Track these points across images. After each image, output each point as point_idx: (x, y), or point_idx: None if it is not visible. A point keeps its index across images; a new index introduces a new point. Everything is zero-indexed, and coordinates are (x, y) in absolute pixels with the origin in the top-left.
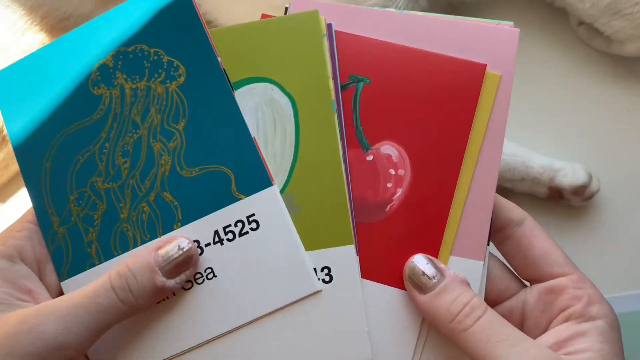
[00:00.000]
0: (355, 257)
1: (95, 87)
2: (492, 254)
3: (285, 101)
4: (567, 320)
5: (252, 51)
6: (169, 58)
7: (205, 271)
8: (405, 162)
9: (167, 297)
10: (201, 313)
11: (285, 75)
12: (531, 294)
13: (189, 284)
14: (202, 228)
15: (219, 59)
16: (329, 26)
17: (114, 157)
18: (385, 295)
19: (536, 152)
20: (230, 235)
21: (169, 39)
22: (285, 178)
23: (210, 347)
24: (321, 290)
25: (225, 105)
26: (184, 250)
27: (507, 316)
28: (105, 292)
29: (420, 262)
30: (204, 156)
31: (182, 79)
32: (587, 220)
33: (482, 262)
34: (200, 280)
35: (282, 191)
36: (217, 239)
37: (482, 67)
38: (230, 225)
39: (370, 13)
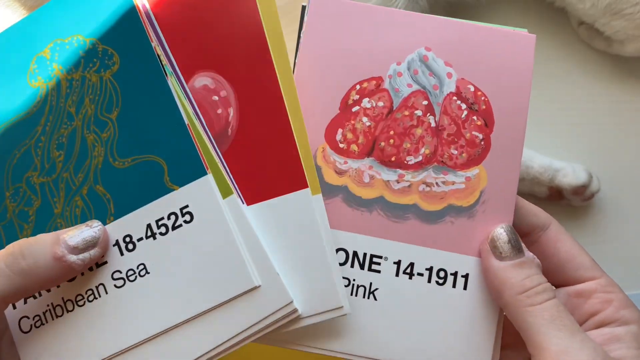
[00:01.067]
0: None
1: (33, 80)
2: None
3: None
4: (600, 325)
5: None
6: (104, 47)
7: (137, 267)
8: (223, 83)
9: (99, 296)
10: (134, 312)
11: None
12: (558, 297)
13: (121, 282)
14: (135, 222)
15: (153, 44)
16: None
17: (49, 150)
18: (266, 210)
19: (536, 152)
20: (163, 229)
21: (104, 27)
22: None
23: (146, 346)
24: (260, 286)
25: (159, 92)
26: (92, 227)
27: None
28: None
29: (508, 230)
30: (137, 146)
31: (116, 67)
32: (587, 220)
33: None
34: (132, 277)
35: None
36: (149, 233)
37: None
38: (163, 219)
39: (386, 12)
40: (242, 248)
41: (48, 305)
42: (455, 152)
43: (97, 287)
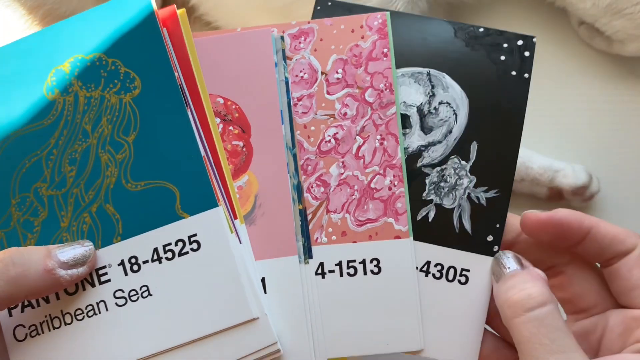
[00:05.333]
0: (224, 218)
1: (50, 92)
2: (598, 269)
3: None
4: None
5: None
6: (126, 69)
7: (140, 289)
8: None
9: (99, 312)
10: (132, 331)
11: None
12: (616, 316)
13: (123, 300)
14: (142, 244)
15: (176, 73)
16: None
17: (60, 164)
18: None
19: (536, 152)
20: (169, 254)
21: (128, 50)
22: None
23: None
24: (258, 318)
25: (177, 121)
26: (83, 245)
27: (590, 331)
28: None
29: (506, 253)
30: (151, 171)
31: (137, 91)
32: None
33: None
34: (134, 298)
35: None
36: (155, 257)
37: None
38: (170, 244)
39: None
40: (244, 281)
41: (46, 317)
42: None
43: (97, 304)
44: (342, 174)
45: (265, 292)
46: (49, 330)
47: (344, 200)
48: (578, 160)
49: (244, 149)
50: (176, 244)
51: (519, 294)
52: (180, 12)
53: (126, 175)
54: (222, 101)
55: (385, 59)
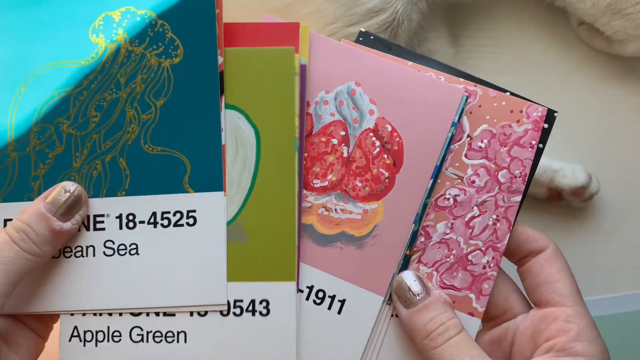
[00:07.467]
0: (295, 295)
1: (94, 35)
2: (508, 276)
3: (249, 131)
4: (548, 351)
5: (226, 77)
6: (172, 35)
7: (130, 245)
8: None
9: (86, 256)
10: (111, 283)
11: (253, 106)
12: (525, 319)
13: (111, 251)
14: (143, 205)
15: (221, 59)
16: (303, 67)
17: (87, 107)
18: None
19: None
20: (165, 222)
21: (179, 17)
22: (239, 206)
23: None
24: (226, 304)
25: (209, 102)
26: (71, 192)
27: (502, 337)
28: (8, 246)
29: (408, 277)
30: (170, 139)
31: (177, 60)
32: (586, 221)
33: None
34: (122, 252)
35: (234, 218)
36: (152, 220)
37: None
38: (169, 213)
39: (326, 41)
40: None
41: None
42: (360, 184)
43: (87, 247)
44: (447, 234)
45: (339, 313)
46: None
47: (438, 258)
48: (578, 160)
49: (386, 181)
50: (174, 214)
51: (440, 327)
52: (304, 27)
53: (146, 136)
54: (389, 128)
55: (530, 150)
